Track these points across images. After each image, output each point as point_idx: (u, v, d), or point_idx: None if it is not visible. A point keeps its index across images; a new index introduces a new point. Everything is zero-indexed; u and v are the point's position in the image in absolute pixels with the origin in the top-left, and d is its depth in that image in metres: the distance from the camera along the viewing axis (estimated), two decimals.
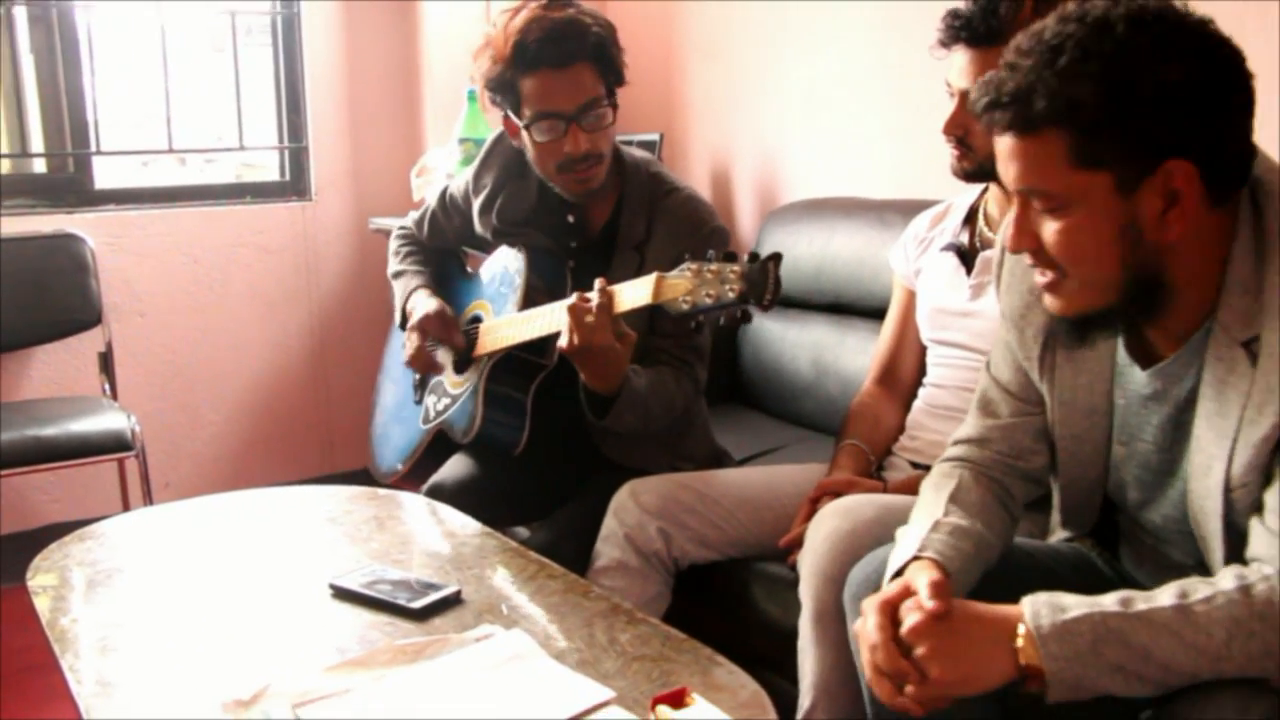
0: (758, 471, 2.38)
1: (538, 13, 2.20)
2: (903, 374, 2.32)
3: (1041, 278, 1.40)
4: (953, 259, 2.17)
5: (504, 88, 2.25)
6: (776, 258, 1.80)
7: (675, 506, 2.15)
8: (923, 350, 2.29)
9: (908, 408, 2.29)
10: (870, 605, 1.41)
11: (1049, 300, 1.42)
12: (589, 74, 2.22)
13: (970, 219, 2.20)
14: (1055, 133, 1.28)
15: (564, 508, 2.32)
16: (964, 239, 2.19)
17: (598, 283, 2.01)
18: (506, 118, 2.32)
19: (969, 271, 2.13)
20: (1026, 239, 1.37)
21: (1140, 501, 1.54)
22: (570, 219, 2.39)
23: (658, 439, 2.31)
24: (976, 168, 2.01)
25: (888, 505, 1.84)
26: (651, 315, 2.17)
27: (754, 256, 1.82)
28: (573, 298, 2.01)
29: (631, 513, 2.13)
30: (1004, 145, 1.34)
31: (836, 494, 2.02)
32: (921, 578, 1.38)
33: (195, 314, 3.75)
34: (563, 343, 2.02)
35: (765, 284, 1.79)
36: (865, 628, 1.39)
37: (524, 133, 2.27)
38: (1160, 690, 1.29)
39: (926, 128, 2.19)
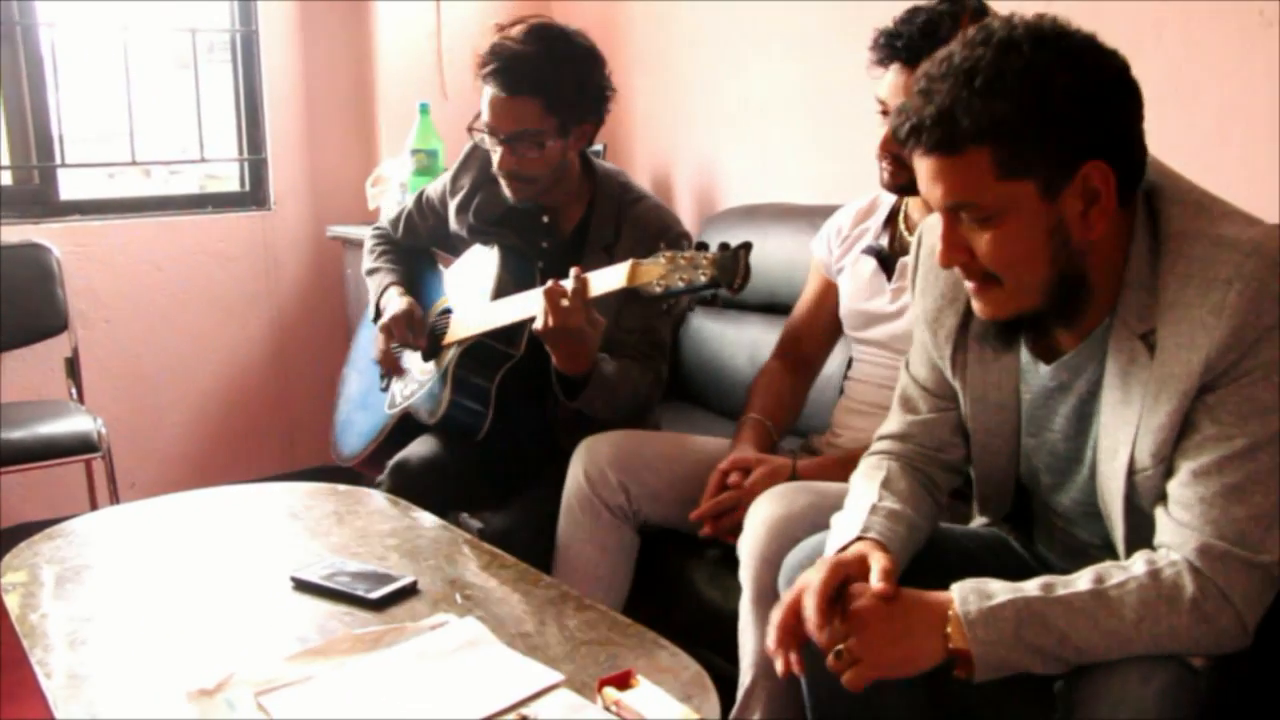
0: (713, 441, 2.33)
1: (511, 37, 2.24)
2: (807, 352, 2.32)
3: (970, 283, 1.41)
4: (873, 262, 2.17)
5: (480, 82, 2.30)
6: (747, 246, 1.84)
7: (635, 461, 2.14)
8: (831, 334, 2.29)
9: (809, 385, 2.30)
10: (824, 562, 1.42)
11: (980, 306, 1.43)
12: (531, 109, 2.24)
13: (891, 220, 2.19)
14: (979, 149, 1.29)
15: (520, 496, 2.33)
16: (884, 242, 2.18)
17: (573, 270, 2.03)
18: None
19: (889, 276, 2.13)
20: (957, 254, 1.38)
21: (1050, 487, 1.57)
22: (545, 219, 2.41)
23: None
24: (909, 181, 1.96)
25: (822, 492, 1.84)
26: (618, 311, 2.19)
27: (725, 246, 1.85)
28: (549, 283, 2.04)
29: (594, 465, 2.13)
30: (928, 166, 1.35)
31: (746, 470, 2.01)
32: (876, 559, 1.40)
33: (159, 319, 3.71)
34: (538, 325, 2.06)
35: (736, 269, 1.83)
36: (809, 578, 1.40)
37: None
38: (1072, 668, 1.32)
39: (853, 137, 2.21)
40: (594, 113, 2.34)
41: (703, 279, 1.85)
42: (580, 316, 2.03)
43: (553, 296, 2.03)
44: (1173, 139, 2.12)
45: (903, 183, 2.02)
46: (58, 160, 3.56)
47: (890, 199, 2.21)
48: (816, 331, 2.31)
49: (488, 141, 2.30)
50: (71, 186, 3.66)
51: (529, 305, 2.13)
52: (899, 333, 2.08)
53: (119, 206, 3.71)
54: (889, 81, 1.97)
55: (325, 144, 3.97)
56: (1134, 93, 1.33)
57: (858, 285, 2.20)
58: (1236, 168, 2.16)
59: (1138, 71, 1.33)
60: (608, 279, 2.01)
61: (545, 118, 2.25)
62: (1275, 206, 2.03)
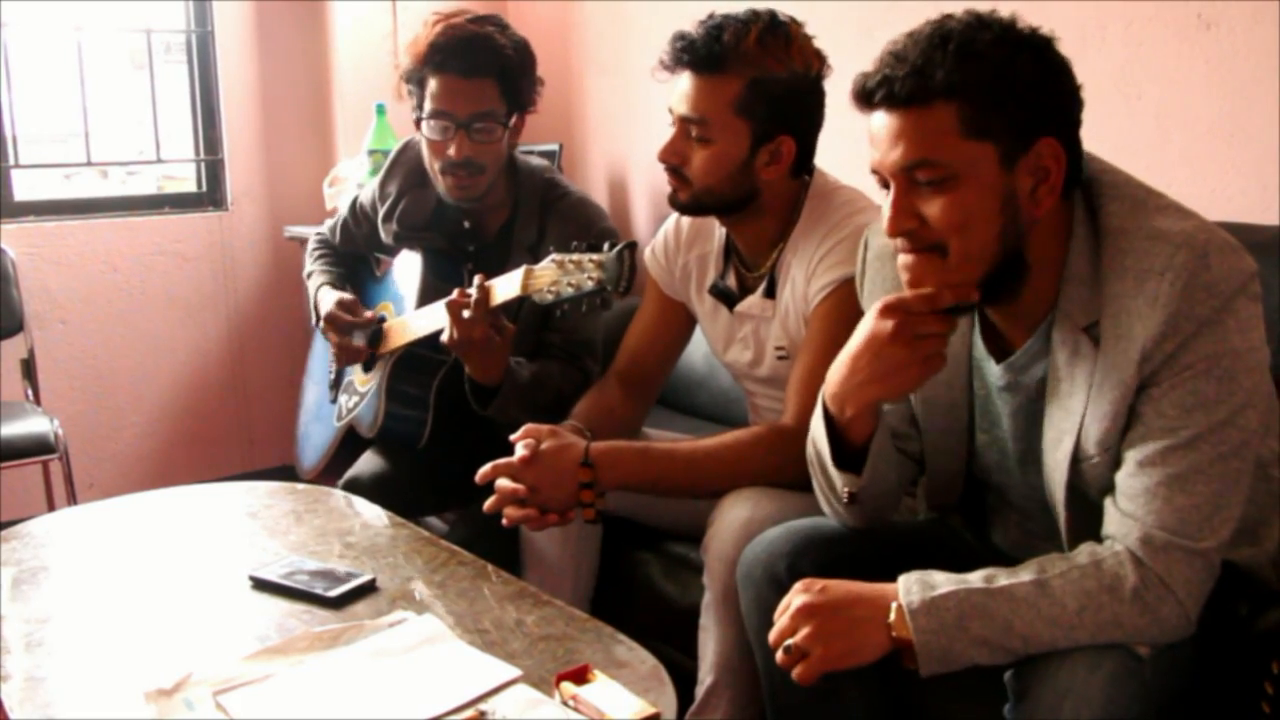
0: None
1: (460, 22, 2.24)
2: (647, 375, 2.21)
3: (909, 256, 1.40)
4: (723, 309, 2.08)
5: (415, 82, 2.29)
6: (631, 246, 1.82)
7: None
8: (672, 351, 2.23)
9: (647, 406, 2.23)
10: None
11: (915, 279, 1.41)
12: (490, 90, 2.25)
13: (728, 252, 2.09)
14: (947, 105, 1.31)
15: (477, 504, 2.31)
16: (730, 281, 2.08)
17: (476, 279, 2.02)
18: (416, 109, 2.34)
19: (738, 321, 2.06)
20: (907, 219, 1.37)
21: (1003, 484, 1.59)
22: (466, 224, 2.39)
23: None
24: (691, 199, 1.93)
25: (787, 498, 1.82)
26: (544, 312, 2.18)
27: (612, 245, 1.84)
28: (453, 294, 2.03)
29: None
30: (891, 124, 1.35)
31: (537, 440, 1.87)
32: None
33: (116, 320, 3.67)
34: (444, 338, 2.05)
35: (621, 272, 1.81)
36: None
37: (421, 126, 2.30)
38: (1019, 659, 1.33)
39: None
40: (530, 102, 2.35)
41: (590, 284, 1.83)
42: (484, 326, 2.01)
43: (454, 309, 2.02)
44: (1116, 137, 2.15)
45: (685, 200, 1.95)
46: (12, 161, 3.52)
47: (714, 225, 2.10)
48: (656, 351, 2.22)
49: (440, 132, 2.26)
50: (26, 187, 3.62)
51: (443, 315, 2.10)
52: (768, 376, 2.04)
53: (74, 207, 3.67)
54: (676, 88, 1.90)
55: (282, 144, 3.94)
56: (1078, 90, 1.37)
57: (715, 333, 2.13)
58: (1177, 166, 2.19)
59: (1083, 71, 1.36)
60: (505, 288, 1.99)
61: (499, 100, 2.26)
62: (1214, 204, 2.06)
